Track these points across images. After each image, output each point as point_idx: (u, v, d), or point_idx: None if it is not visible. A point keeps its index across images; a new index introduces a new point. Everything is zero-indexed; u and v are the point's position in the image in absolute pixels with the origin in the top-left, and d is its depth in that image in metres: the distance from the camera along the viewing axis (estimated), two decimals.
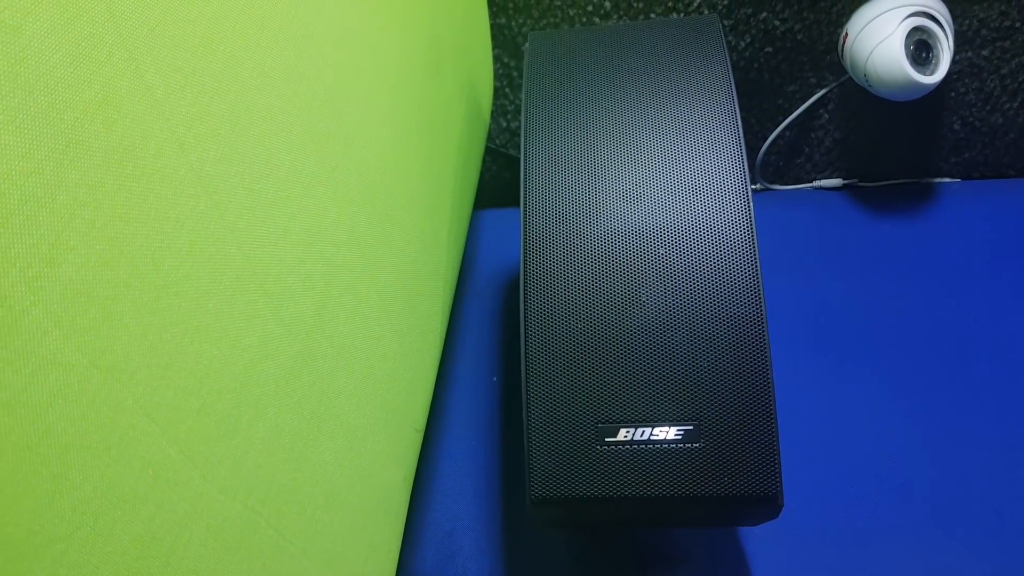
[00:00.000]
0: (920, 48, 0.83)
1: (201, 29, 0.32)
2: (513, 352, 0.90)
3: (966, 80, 0.94)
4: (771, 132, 0.99)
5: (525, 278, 0.57)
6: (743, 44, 0.93)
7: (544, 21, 0.93)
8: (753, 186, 1.04)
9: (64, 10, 0.24)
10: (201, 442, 0.31)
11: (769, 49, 0.93)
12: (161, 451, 0.29)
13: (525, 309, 0.56)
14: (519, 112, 0.97)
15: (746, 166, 0.57)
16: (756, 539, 0.70)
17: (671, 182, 0.58)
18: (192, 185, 0.31)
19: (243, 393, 0.34)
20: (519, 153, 0.60)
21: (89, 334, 0.25)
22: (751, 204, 0.56)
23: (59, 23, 0.24)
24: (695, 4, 0.90)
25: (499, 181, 1.12)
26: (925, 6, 0.83)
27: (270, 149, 0.37)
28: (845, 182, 1.03)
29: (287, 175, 0.39)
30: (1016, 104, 0.94)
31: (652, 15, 0.91)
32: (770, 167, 1.05)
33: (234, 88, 0.34)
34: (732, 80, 0.61)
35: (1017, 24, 0.87)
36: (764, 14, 0.90)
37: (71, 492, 0.25)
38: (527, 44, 0.67)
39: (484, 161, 1.03)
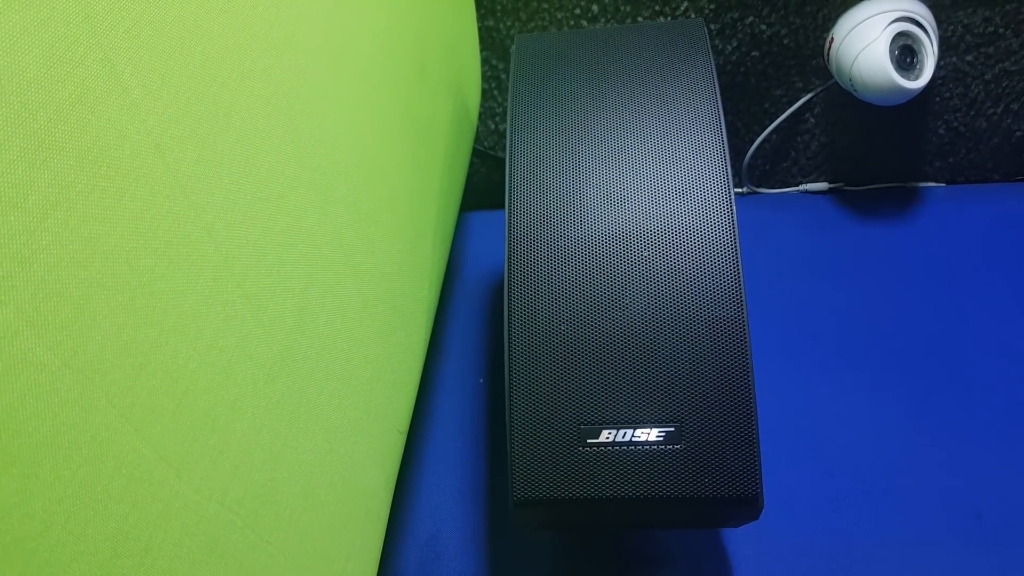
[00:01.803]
0: (905, 53, 0.84)
1: (179, 30, 0.32)
2: (500, 353, 0.90)
3: (951, 85, 0.94)
4: (758, 136, 0.99)
5: (509, 280, 0.57)
6: (730, 48, 0.93)
7: (532, 24, 0.94)
8: (740, 189, 1.04)
9: (37, 11, 0.25)
10: (177, 442, 0.32)
11: (756, 53, 0.94)
12: (135, 451, 0.29)
13: (509, 311, 0.56)
14: None
15: (729, 170, 0.58)
16: (738, 539, 0.71)
17: (655, 185, 0.58)
18: (169, 186, 0.31)
19: (220, 393, 0.35)
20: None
21: (61, 333, 0.26)
22: (734, 208, 0.56)
23: (32, 23, 0.24)
24: (682, 8, 0.90)
25: (488, 183, 1.12)
26: (910, 12, 0.83)
27: (249, 150, 0.37)
28: (831, 186, 1.03)
29: (267, 176, 0.39)
30: (1000, 109, 0.95)
31: (639, 18, 0.92)
32: (756, 171, 1.05)
33: (213, 89, 0.34)
34: (716, 84, 0.62)
35: (1001, 30, 0.88)
36: (751, 18, 0.90)
37: (42, 491, 0.25)
38: (513, 47, 0.67)
39: (472, 163, 1.03)
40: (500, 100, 1.02)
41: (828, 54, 0.88)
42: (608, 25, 0.92)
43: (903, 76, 0.83)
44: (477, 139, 1.05)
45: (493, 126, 1.05)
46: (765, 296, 0.88)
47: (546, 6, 0.92)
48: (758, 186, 1.06)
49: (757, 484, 0.52)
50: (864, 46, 0.83)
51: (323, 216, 0.46)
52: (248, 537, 0.37)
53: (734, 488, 0.52)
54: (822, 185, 1.04)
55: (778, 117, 0.97)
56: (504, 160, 0.61)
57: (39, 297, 0.25)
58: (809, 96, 0.95)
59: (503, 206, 0.60)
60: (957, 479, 0.73)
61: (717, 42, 0.93)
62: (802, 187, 1.05)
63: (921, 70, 0.84)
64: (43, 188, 0.25)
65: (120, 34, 0.28)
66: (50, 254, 0.25)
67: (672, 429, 0.53)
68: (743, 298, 0.54)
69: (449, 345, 0.92)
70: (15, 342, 0.24)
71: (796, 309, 0.89)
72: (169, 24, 0.31)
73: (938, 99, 0.96)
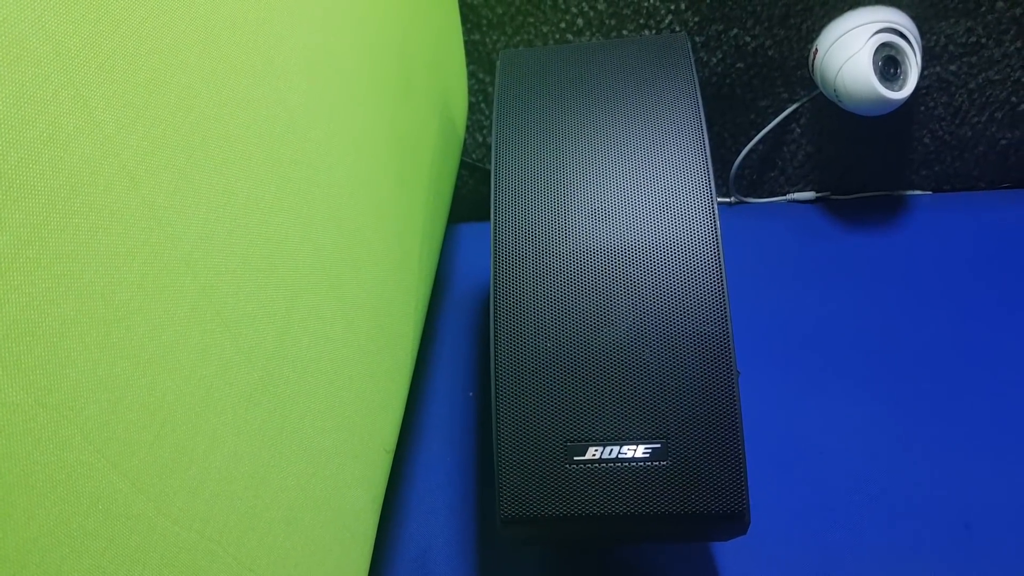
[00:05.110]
0: (888, 64, 0.84)
1: (155, 63, 0.32)
2: (489, 366, 0.90)
3: (935, 94, 0.95)
4: (744, 146, 1.00)
5: (495, 296, 0.57)
6: (715, 60, 0.94)
7: (518, 38, 0.94)
8: (727, 199, 1.04)
9: (6, 52, 0.25)
10: (154, 474, 0.31)
11: (741, 65, 0.94)
12: (111, 486, 0.29)
13: (495, 328, 0.56)
14: None
15: (712, 185, 0.58)
16: (727, 551, 0.71)
17: (639, 199, 0.58)
18: (144, 218, 0.31)
19: (199, 423, 0.34)
20: None
21: (35, 373, 0.25)
22: (717, 223, 0.56)
23: (0, 64, 0.24)
24: (666, 21, 0.90)
25: (476, 195, 1.12)
26: (893, 22, 0.84)
27: (228, 178, 0.37)
28: (818, 195, 1.04)
29: (246, 203, 0.39)
30: (984, 118, 0.96)
31: (624, 32, 0.92)
32: (744, 180, 1.06)
33: (189, 119, 0.34)
34: (700, 98, 0.62)
35: (983, 40, 0.89)
36: (735, 31, 0.91)
37: (16, 532, 0.25)
38: (498, 62, 0.68)
39: (460, 176, 1.03)
40: (487, 113, 1.02)
41: (813, 65, 0.89)
42: (593, 39, 0.93)
43: (887, 87, 0.83)
44: (465, 152, 1.05)
45: (481, 139, 1.05)
46: (753, 305, 0.88)
47: (532, 20, 0.92)
48: (745, 196, 1.07)
49: (744, 500, 0.53)
50: (848, 57, 0.83)
51: (305, 239, 0.46)
52: (230, 566, 0.37)
53: (721, 504, 0.53)
54: (809, 194, 1.04)
55: (764, 127, 0.98)
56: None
57: (11, 337, 0.25)
58: (795, 107, 0.96)
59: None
60: (946, 489, 0.73)
61: (702, 54, 0.93)
62: (789, 196, 1.05)
63: (905, 80, 0.84)
64: (14, 228, 0.25)
65: (93, 70, 0.28)
66: (22, 293, 0.25)
67: (658, 445, 0.53)
68: (727, 313, 0.54)
69: (438, 358, 0.92)
70: None
71: (784, 317, 0.89)
72: (144, 57, 0.31)
73: (923, 108, 0.96)
